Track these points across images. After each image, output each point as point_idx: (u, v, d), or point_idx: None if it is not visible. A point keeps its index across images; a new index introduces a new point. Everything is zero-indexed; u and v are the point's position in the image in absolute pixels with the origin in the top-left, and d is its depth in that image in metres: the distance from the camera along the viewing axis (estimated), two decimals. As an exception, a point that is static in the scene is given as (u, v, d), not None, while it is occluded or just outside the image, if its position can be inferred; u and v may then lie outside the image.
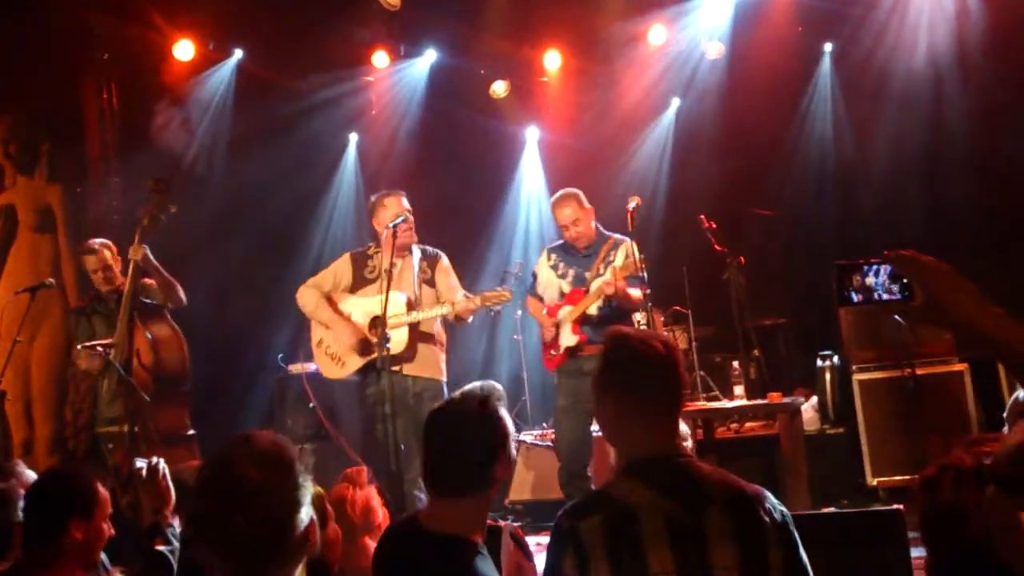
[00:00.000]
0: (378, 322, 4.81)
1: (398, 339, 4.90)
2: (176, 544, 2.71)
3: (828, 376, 6.10)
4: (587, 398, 5.03)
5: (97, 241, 5.57)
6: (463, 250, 8.21)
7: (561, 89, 8.26)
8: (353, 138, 8.46)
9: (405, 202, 5.14)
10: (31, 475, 3.74)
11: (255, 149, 7.51)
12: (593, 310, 5.16)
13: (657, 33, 7.69)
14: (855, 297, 1.59)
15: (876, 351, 5.57)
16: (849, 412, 5.72)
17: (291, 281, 6.07)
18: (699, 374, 6.55)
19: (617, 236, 5.41)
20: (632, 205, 5.49)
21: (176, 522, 2.76)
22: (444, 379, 5.07)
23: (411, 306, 4.99)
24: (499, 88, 8.03)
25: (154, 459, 2.80)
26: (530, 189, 8.55)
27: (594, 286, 5.20)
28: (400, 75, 8.14)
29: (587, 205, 5.31)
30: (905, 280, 1.55)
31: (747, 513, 1.94)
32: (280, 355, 6.86)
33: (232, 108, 7.53)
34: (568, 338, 5.19)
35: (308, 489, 1.75)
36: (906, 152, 7.15)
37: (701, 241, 6.27)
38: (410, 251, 5.15)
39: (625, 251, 5.28)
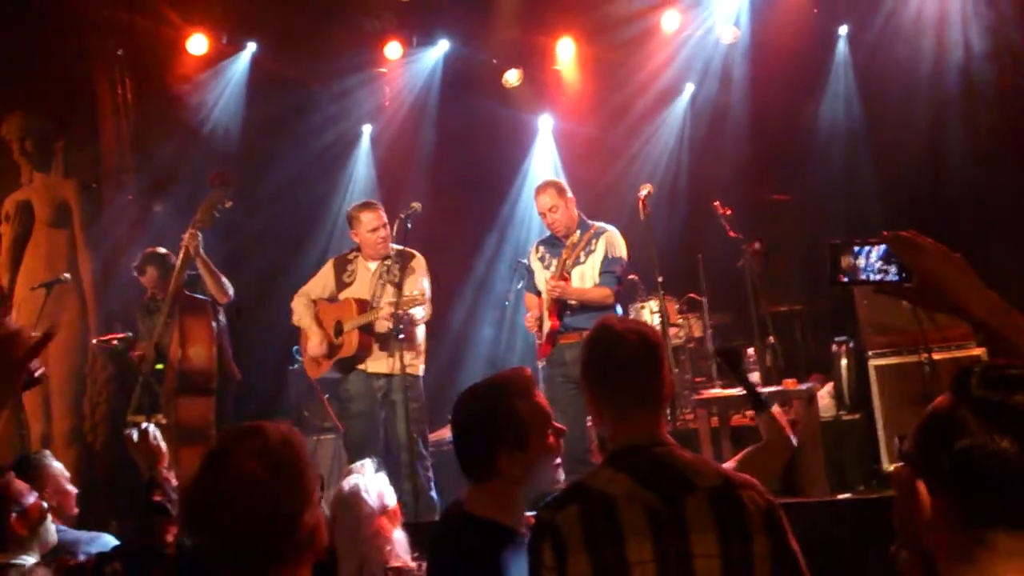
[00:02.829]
0: (340, 326, 5.39)
1: (349, 342, 5.35)
2: (173, 496, 2.72)
3: (844, 362, 6.03)
4: (572, 383, 5.04)
5: (161, 250, 5.69)
6: (477, 240, 8.22)
7: (574, 77, 8.21)
8: (367, 130, 8.44)
9: (383, 215, 5.49)
10: (58, 466, 3.81)
11: (269, 142, 7.53)
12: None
13: (670, 19, 7.64)
14: (844, 277, 1.57)
15: (892, 336, 5.50)
16: (865, 398, 5.66)
17: (305, 273, 6.10)
18: (715, 361, 6.51)
19: (600, 225, 5.43)
20: (644, 193, 5.49)
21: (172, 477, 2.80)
22: (409, 373, 5.24)
23: (362, 309, 5.35)
24: (512, 77, 7.99)
25: (143, 423, 2.86)
26: (544, 178, 8.48)
27: (575, 274, 5.24)
28: (413, 66, 8.12)
29: (568, 194, 5.38)
30: (902, 262, 1.53)
31: (729, 501, 1.92)
32: (296, 347, 6.88)
33: (246, 101, 7.55)
34: (546, 326, 5.26)
35: (318, 485, 1.65)
36: (925, 135, 7.02)
37: (716, 228, 6.23)
38: (390, 254, 5.50)
39: (606, 240, 5.29)
